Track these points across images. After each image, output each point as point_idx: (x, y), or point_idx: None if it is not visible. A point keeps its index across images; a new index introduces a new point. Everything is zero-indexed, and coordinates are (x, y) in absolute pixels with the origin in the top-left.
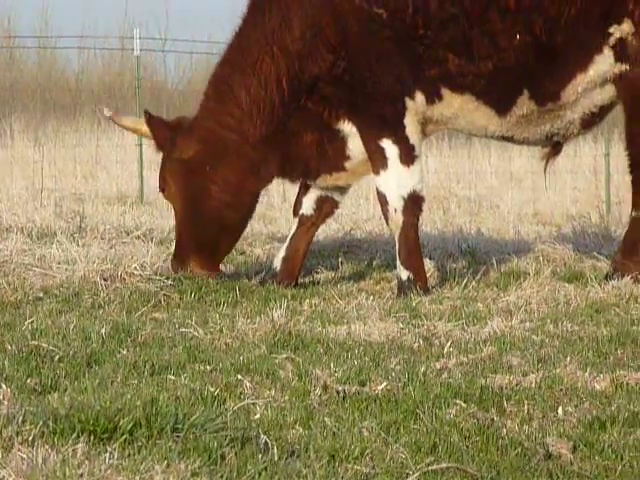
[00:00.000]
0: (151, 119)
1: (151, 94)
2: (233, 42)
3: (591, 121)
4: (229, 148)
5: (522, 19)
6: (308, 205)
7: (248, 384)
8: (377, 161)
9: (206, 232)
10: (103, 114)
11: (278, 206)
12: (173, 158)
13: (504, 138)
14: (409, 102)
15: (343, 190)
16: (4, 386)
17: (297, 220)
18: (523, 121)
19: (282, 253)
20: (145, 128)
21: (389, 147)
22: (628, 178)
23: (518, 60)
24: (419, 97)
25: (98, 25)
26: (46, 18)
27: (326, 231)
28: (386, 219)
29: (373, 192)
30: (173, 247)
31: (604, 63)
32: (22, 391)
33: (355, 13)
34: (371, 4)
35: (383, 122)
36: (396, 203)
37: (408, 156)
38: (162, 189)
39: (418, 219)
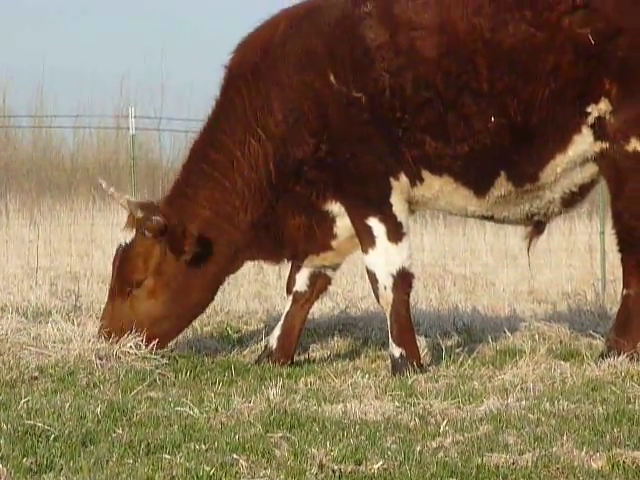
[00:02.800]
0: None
1: (146, 172)
2: (214, 124)
3: (572, 200)
4: (221, 237)
5: (496, 102)
6: (301, 282)
7: (244, 463)
8: (365, 240)
9: (176, 316)
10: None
11: (273, 284)
12: (163, 249)
13: (484, 217)
14: (394, 182)
15: (335, 266)
16: (0, 465)
17: (291, 297)
18: (502, 201)
19: (277, 331)
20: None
21: (376, 225)
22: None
23: (494, 142)
24: (403, 178)
25: (93, 104)
26: (41, 97)
27: (321, 309)
28: (376, 297)
29: None
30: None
31: (583, 143)
32: (18, 470)
33: (335, 97)
34: (350, 88)
35: (369, 202)
36: (385, 280)
37: (396, 234)
38: (136, 283)
39: (408, 296)
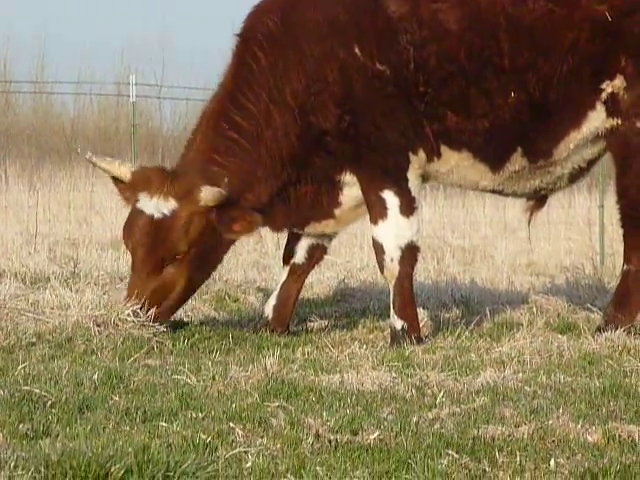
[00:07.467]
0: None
1: (147, 140)
2: (235, 91)
3: (578, 175)
4: (243, 207)
5: (516, 78)
6: (300, 254)
7: (240, 432)
8: (376, 211)
9: (195, 282)
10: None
11: (272, 254)
12: (208, 220)
13: (493, 191)
14: (412, 156)
15: (333, 235)
16: None
17: (287, 268)
18: (514, 176)
19: (273, 301)
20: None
21: (390, 198)
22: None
23: (513, 118)
24: (421, 153)
25: (94, 71)
26: (42, 63)
27: (320, 279)
28: (381, 268)
29: (367, 241)
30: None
31: (597, 119)
32: (14, 436)
33: (359, 69)
34: (374, 61)
35: (386, 174)
36: (393, 253)
37: (408, 207)
38: (178, 255)
39: (413, 269)
